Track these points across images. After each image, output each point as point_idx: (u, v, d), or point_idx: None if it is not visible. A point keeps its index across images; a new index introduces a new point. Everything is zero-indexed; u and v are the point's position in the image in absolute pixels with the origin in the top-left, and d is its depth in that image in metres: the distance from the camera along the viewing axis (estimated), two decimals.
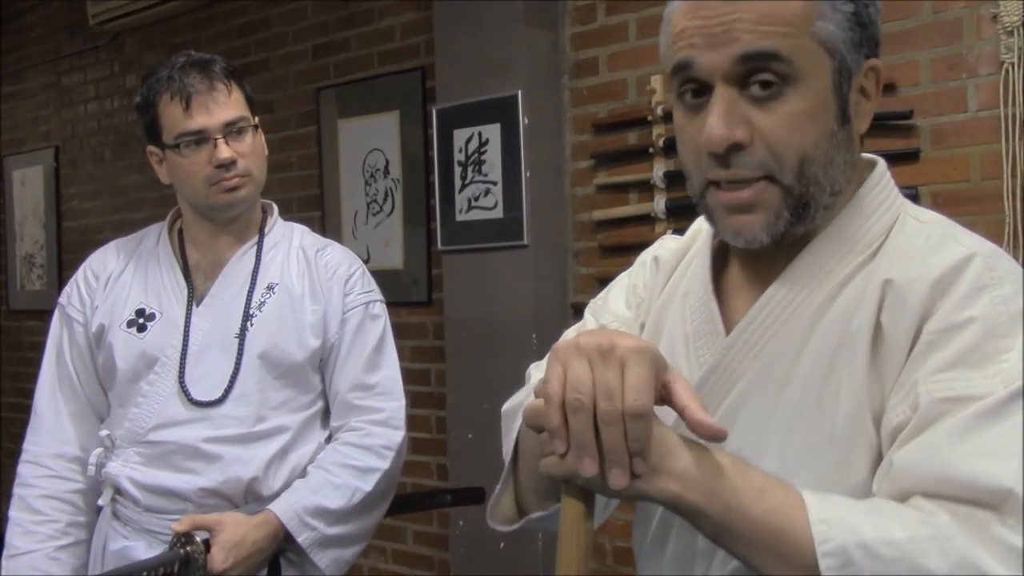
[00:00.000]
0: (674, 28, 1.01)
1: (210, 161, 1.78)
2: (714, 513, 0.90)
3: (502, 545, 3.33)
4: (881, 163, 1.08)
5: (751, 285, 1.08)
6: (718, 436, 0.88)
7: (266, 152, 1.88)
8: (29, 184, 5.58)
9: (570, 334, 1.25)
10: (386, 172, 3.90)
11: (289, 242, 1.92)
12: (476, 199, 3.34)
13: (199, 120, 1.76)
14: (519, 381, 3.63)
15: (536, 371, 1.25)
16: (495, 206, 3.28)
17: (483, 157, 3.31)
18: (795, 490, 0.91)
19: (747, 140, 0.97)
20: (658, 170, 3.06)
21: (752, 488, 0.91)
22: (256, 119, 1.86)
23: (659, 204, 3.06)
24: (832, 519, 0.88)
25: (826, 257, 1.03)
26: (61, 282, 5.46)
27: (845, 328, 0.99)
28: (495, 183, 3.28)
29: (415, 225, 3.79)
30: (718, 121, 0.97)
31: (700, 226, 1.20)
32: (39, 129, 5.60)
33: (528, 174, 3.22)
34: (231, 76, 1.82)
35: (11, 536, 1.80)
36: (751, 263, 1.09)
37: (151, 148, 1.86)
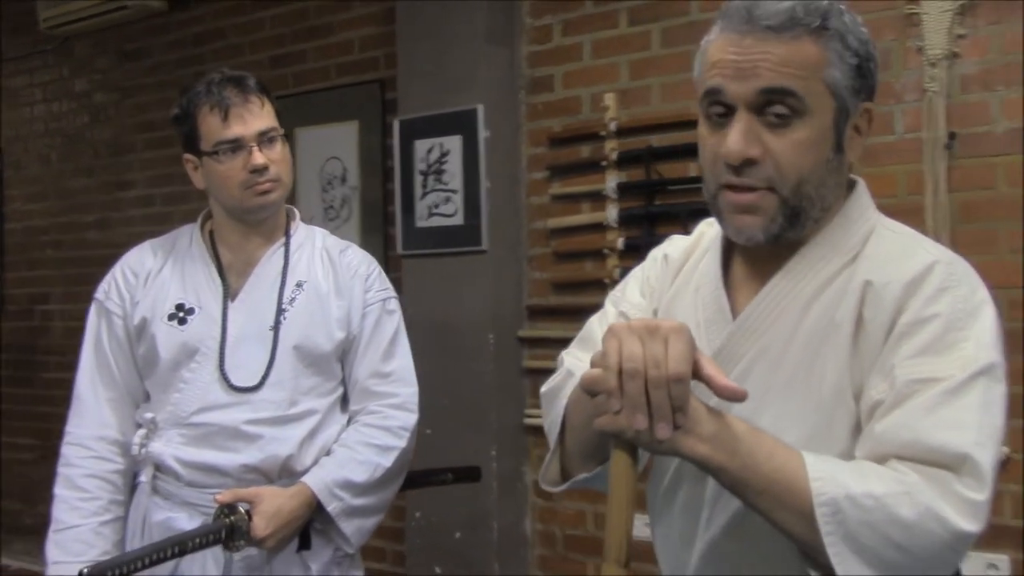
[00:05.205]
0: (710, 57, 1.22)
1: (245, 167, 1.92)
2: (734, 469, 1.09)
3: (458, 535, 3.50)
4: (861, 182, 1.30)
5: (751, 280, 1.28)
6: (740, 397, 1.09)
7: (291, 160, 2.05)
8: None
9: (594, 321, 1.45)
10: (343, 180, 4.04)
11: (312, 243, 2.08)
12: (436, 206, 3.51)
13: (236, 129, 1.92)
14: (477, 379, 3.80)
15: (568, 357, 1.43)
16: (455, 213, 3.46)
17: (444, 167, 3.49)
18: (797, 452, 1.12)
19: (759, 157, 1.18)
20: (611, 182, 3.28)
21: (764, 450, 1.10)
22: (283, 130, 2.02)
23: (611, 213, 3.27)
24: (826, 477, 1.08)
25: (816, 258, 1.23)
26: (3, 283, 5.45)
27: (831, 318, 1.20)
28: (455, 191, 3.46)
29: (372, 231, 3.94)
30: (738, 139, 1.18)
31: (703, 229, 1.42)
32: None
33: (487, 184, 3.41)
34: (262, 90, 1.98)
35: (58, 512, 1.93)
36: (752, 262, 1.30)
37: (187, 156, 2.00)
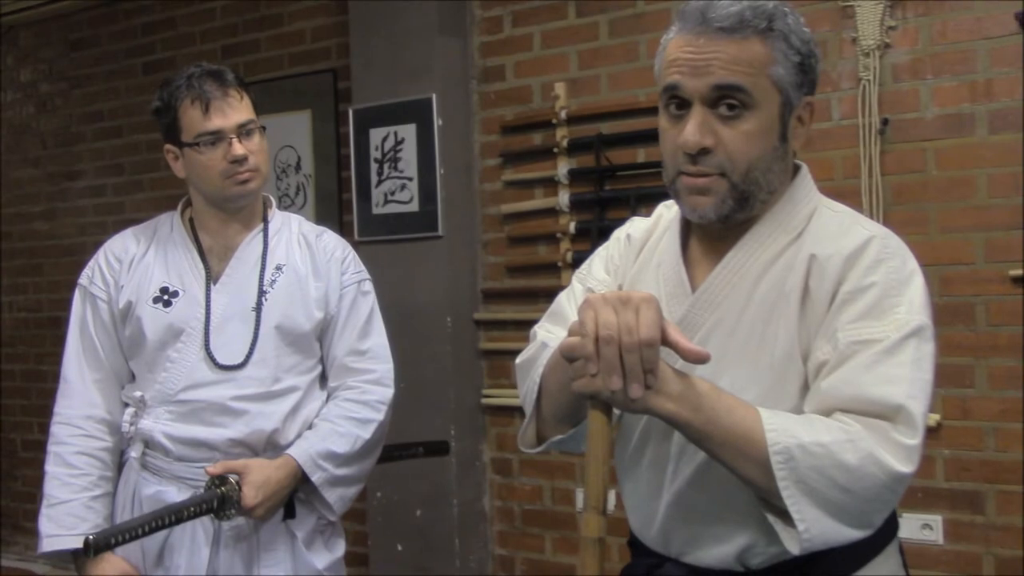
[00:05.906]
0: (668, 55, 1.34)
1: (225, 157, 2.00)
2: (699, 424, 1.22)
3: (418, 513, 3.60)
4: (804, 167, 1.44)
5: (708, 257, 1.42)
6: (704, 359, 1.22)
7: (268, 150, 2.13)
8: None
9: (562, 298, 1.56)
10: (298, 168, 4.11)
11: (289, 228, 2.17)
12: (392, 193, 3.60)
13: (216, 122, 2.00)
14: (435, 361, 3.88)
15: (540, 330, 1.55)
16: (411, 200, 3.55)
17: (399, 155, 3.58)
18: (753, 407, 1.25)
19: (712, 146, 1.31)
20: (562, 168, 3.39)
21: (724, 406, 1.23)
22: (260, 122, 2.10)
23: (563, 198, 3.39)
24: (779, 428, 1.22)
25: (765, 236, 1.37)
26: None
27: (780, 289, 1.33)
28: (411, 179, 3.55)
29: (327, 218, 3.99)
30: (694, 130, 1.31)
31: (660, 211, 1.55)
32: None
33: (442, 171, 3.51)
34: (241, 84, 2.06)
35: (50, 488, 2.01)
36: (708, 240, 1.43)
37: (168, 147, 2.07)
